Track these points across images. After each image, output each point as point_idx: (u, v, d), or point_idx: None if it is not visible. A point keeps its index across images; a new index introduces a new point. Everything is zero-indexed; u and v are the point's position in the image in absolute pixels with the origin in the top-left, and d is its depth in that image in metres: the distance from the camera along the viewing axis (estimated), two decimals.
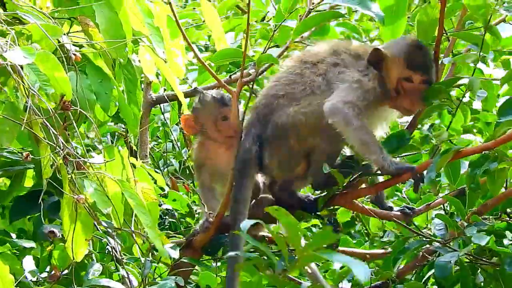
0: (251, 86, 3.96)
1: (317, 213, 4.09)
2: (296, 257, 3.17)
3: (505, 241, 3.93)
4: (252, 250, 3.93)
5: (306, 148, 3.99)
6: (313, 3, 4.12)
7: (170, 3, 3.75)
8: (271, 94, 4.04)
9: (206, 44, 5.97)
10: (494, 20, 4.01)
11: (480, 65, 3.90)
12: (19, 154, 3.97)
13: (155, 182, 4.28)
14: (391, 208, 4.13)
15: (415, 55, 3.92)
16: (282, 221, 3.11)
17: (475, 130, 4.60)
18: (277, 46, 4.66)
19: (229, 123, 4.25)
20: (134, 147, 4.46)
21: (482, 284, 3.95)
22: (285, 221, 3.10)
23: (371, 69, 3.96)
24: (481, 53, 3.81)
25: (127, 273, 3.81)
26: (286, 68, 4.10)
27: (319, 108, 3.89)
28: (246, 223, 3.19)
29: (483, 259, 3.93)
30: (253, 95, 4.08)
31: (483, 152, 3.69)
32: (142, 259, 3.88)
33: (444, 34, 4.03)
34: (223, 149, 4.30)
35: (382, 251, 4.39)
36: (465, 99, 3.89)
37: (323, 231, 3.11)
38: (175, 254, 3.92)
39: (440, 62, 4.00)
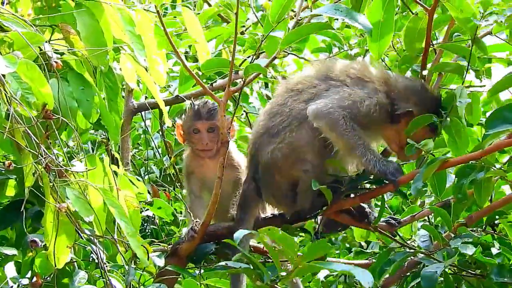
0: (238, 95, 3.98)
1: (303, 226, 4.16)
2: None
3: (493, 251, 3.97)
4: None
5: (291, 180, 4.01)
6: (301, 16, 4.13)
7: (158, 12, 3.75)
8: (256, 131, 4.10)
9: (187, 52, 5.97)
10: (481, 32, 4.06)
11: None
12: (0, 163, 3.95)
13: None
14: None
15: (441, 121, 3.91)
16: (276, 239, 3.17)
17: None
18: (258, 55, 4.68)
19: (201, 137, 4.28)
20: (116, 155, 4.45)
21: None
22: (279, 238, 3.17)
23: (379, 95, 3.93)
24: (469, 66, 3.85)
25: (110, 280, 3.79)
26: (274, 99, 4.13)
27: (293, 139, 3.91)
28: (239, 233, 3.24)
29: (467, 270, 3.96)
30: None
31: (470, 162, 3.71)
32: (126, 267, 3.87)
33: (431, 46, 4.06)
34: (208, 158, 4.32)
35: (366, 261, 4.41)
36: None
37: (316, 243, 3.18)
38: (160, 262, 3.92)
39: (426, 73, 4.03)
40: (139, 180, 4.20)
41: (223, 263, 3.43)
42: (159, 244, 4.28)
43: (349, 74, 3.99)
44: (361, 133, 3.84)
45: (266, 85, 6.37)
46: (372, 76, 4.00)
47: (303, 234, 4.42)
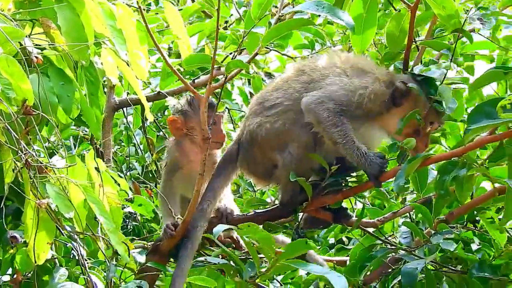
0: (219, 92, 3.97)
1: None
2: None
3: (473, 247, 3.98)
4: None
5: (269, 161, 4.03)
6: (282, 13, 4.11)
7: (140, 7, 3.72)
8: (255, 99, 4.17)
9: (170, 47, 5.95)
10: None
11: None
12: None
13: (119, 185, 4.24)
14: None
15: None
16: (255, 237, 3.16)
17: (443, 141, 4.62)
18: (241, 52, 4.66)
19: (217, 128, 4.27)
20: (101, 149, 4.41)
21: None
22: (259, 236, 3.16)
23: (377, 84, 3.93)
24: (453, 58, 3.85)
25: (90, 276, 3.76)
26: (282, 74, 4.19)
27: (277, 125, 3.94)
28: (219, 228, 3.22)
29: (449, 266, 3.96)
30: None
31: (452, 159, 3.69)
32: (108, 264, 3.84)
33: (414, 43, 4.06)
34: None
35: (348, 258, 4.40)
36: None
37: (294, 242, 3.17)
38: (141, 259, 3.89)
39: (410, 70, 4.02)
40: (120, 177, 4.16)
41: (202, 258, 3.42)
42: (142, 241, 4.26)
43: (352, 65, 4.01)
44: (349, 128, 3.84)
45: (249, 82, 6.36)
46: (374, 69, 4.02)
47: (285, 230, 4.41)
